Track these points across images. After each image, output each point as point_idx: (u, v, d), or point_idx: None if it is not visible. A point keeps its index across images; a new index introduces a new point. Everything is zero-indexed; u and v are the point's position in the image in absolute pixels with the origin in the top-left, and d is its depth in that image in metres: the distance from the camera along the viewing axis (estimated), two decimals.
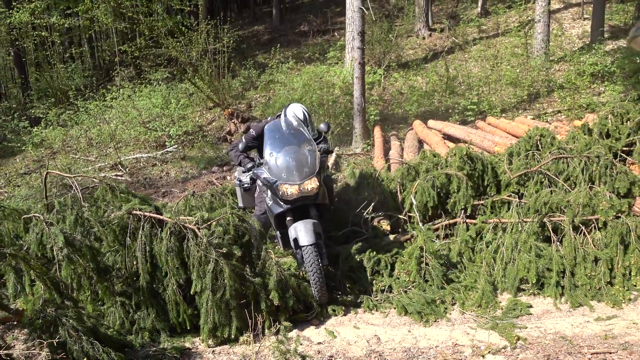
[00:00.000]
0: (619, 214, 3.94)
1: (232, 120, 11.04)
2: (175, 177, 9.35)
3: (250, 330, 3.07)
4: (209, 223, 3.39)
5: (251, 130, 4.61)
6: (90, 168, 10.12)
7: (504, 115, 9.96)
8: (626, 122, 5.85)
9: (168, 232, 3.29)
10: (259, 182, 4.30)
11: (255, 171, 4.00)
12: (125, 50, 11.48)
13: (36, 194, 8.71)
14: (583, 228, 3.90)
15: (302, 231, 3.52)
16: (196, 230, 3.31)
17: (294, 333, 3.28)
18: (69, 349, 2.53)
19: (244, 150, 4.48)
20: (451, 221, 4.45)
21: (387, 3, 17.23)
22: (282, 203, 3.71)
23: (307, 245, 3.43)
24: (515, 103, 10.62)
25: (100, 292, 3.27)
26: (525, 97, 10.68)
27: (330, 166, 5.33)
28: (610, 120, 5.95)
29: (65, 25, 11.63)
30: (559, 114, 10.00)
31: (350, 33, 12.83)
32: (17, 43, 12.64)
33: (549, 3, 11.67)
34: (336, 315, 3.55)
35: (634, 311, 3.37)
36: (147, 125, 11.24)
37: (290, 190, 3.62)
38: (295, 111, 4.28)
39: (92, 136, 11.39)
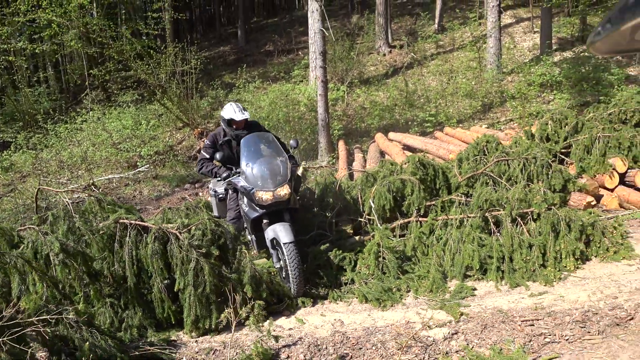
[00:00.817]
0: (551, 207, 4.53)
1: (202, 139, 11.38)
2: (148, 195, 9.62)
3: (232, 319, 3.45)
4: (188, 228, 3.79)
5: (206, 141, 5.10)
6: (62, 190, 10.23)
7: (460, 125, 10.67)
8: (564, 126, 6.59)
9: (152, 237, 3.67)
10: (230, 191, 4.75)
11: (232, 179, 4.44)
12: (95, 73, 11.72)
13: (9, 217, 8.85)
14: (519, 220, 4.48)
15: (282, 231, 3.97)
16: (178, 234, 3.70)
17: (267, 322, 3.68)
18: (69, 338, 2.87)
19: (211, 159, 4.90)
20: (406, 220, 4.96)
21: (348, 22, 18.00)
22: (257, 208, 4.16)
23: (289, 243, 3.87)
24: (471, 113, 11.37)
25: (91, 293, 3.60)
26: (480, 107, 11.45)
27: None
28: (550, 125, 6.69)
29: (32, 50, 11.81)
30: (512, 122, 10.78)
31: (313, 53, 13.49)
32: None
33: (499, 19, 12.55)
34: (305, 306, 3.98)
35: (562, 287, 3.92)
36: (118, 147, 11.48)
37: (265, 196, 4.09)
38: (231, 109, 4.79)
39: (63, 159, 11.53)
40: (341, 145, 9.76)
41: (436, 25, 16.17)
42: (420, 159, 5.50)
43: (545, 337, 3.10)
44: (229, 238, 3.93)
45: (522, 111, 10.39)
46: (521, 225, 4.48)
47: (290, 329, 3.56)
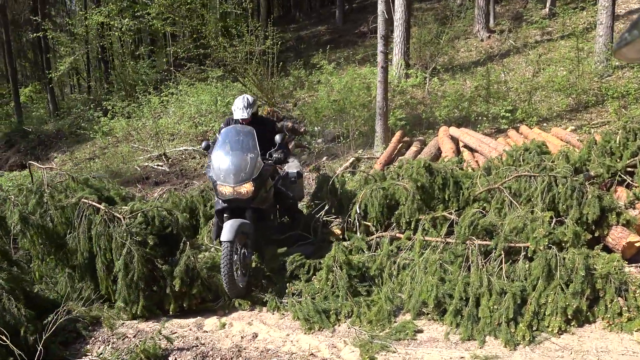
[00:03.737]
0: (552, 245, 3.61)
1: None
2: (203, 170, 10.09)
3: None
4: (135, 213, 3.87)
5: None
6: (142, 157, 11.22)
7: (541, 125, 9.47)
8: (638, 139, 5.40)
9: (100, 219, 3.82)
10: None
11: (206, 170, 4.44)
12: (192, 50, 12.47)
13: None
14: (502, 255, 3.69)
15: (225, 228, 3.87)
16: (122, 218, 3.81)
17: (192, 319, 3.66)
18: None
19: (206, 148, 4.90)
20: (383, 234, 4.49)
21: (450, 3, 16.82)
22: (220, 201, 4.10)
23: (225, 242, 3.76)
24: (561, 112, 10.02)
25: (53, 262, 3.88)
26: (574, 105, 10.03)
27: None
28: (619, 136, 5.51)
29: (136, 27, 12.95)
30: (607, 126, 9.28)
31: (397, 37, 12.84)
32: (102, 41, 14.26)
33: (614, 4, 10.76)
34: (243, 310, 3.85)
35: (522, 356, 3.06)
36: (195, 120, 12.16)
37: (225, 190, 4.03)
38: (237, 104, 4.63)
39: (149, 128, 12.56)
40: (396, 136, 9.21)
41: (547, 10, 14.34)
42: (427, 163, 4.96)
43: None
44: (178, 229, 3.94)
45: (622, 114, 8.85)
46: (502, 262, 3.68)
47: (206, 331, 3.49)
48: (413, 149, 8.78)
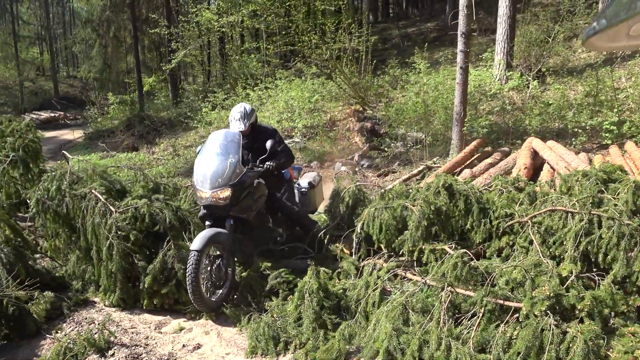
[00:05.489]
0: (549, 311, 2.81)
1: (350, 119, 11.38)
2: None
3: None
4: (127, 208, 4.06)
5: None
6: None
7: None
8: None
9: (98, 209, 4.09)
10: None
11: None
12: (281, 47, 12.83)
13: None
14: (481, 314, 2.96)
15: (197, 237, 3.74)
16: (114, 211, 4.03)
17: (159, 317, 3.75)
18: None
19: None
20: (374, 260, 4.06)
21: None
22: (202, 207, 4.09)
23: (193, 250, 3.62)
24: None
25: (55, 243, 4.28)
26: None
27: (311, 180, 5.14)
28: None
29: (246, 24, 13.70)
30: None
31: (500, 35, 11.72)
32: (210, 36, 15.35)
33: None
34: (210, 318, 3.77)
35: None
36: (282, 116, 12.45)
37: (201, 195, 3.98)
38: (233, 115, 4.47)
39: None
40: (471, 145, 8.39)
41: None
42: (448, 183, 4.42)
43: None
44: (167, 227, 4.04)
45: None
46: (479, 320, 2.97)
47: (161, 332, 3.54)
48: (488, 160, 7.96)
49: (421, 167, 8.49)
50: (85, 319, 3.71)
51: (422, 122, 10.62)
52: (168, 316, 3.81)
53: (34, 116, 22.90)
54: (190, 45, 14.44)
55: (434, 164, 8.78)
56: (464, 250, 3.43)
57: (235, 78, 14.59)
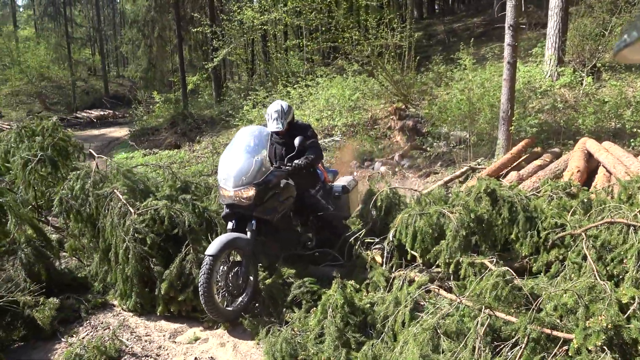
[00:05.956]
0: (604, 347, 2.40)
1: (391, 117, 10.97)
2: None
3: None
4: (146, 210, 3.91)
5: None
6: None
7: None
8: None
9: (118, 210, 3.97)
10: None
11: None
12: (321, 44, 12.59)
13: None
14: (525, 344, 2.53)
15: (214, 241, 3.54)
16: (133, 213, 3.89)
17: (175, 325, 3.57)
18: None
19: None
20: (407, 272, 3.69)
21: None
22: (225, 206, 3.90)
23: (207, 255, 3.42)
24: None
25: (71, 243, 4.21)
26: None
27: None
28: None
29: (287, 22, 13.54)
30: None
31: (551, 28, 10.97)
32: (253, 35, 15.33)
33: None
34: (227, 329, 3.56)
35: None
36: (322, 114, 12.19)
37: (224, 193, 3.77)
38: (270, 113, 4.27)
39: None
40: (518, 146, 7.82)
41: None
42: (490, 187, 4.00)
43: None
44: (185, 231, 3.86)
45: None
46: (522, 356, 2.54)
47: (174, 341, 3.35)
48: (536, 162, 7.40)
49: (465, 168, 8.04)
50: (102, 323, 3.60)
51: (466, 120, 10.07)
52: (185, 324, 3.62)
53: (85, 114, 23.80)
54: (232, 44, 14.43)
55: (479, 165, 8.28)
56: (507, 268, 3.00)
57: (277, 76, 14.47)
